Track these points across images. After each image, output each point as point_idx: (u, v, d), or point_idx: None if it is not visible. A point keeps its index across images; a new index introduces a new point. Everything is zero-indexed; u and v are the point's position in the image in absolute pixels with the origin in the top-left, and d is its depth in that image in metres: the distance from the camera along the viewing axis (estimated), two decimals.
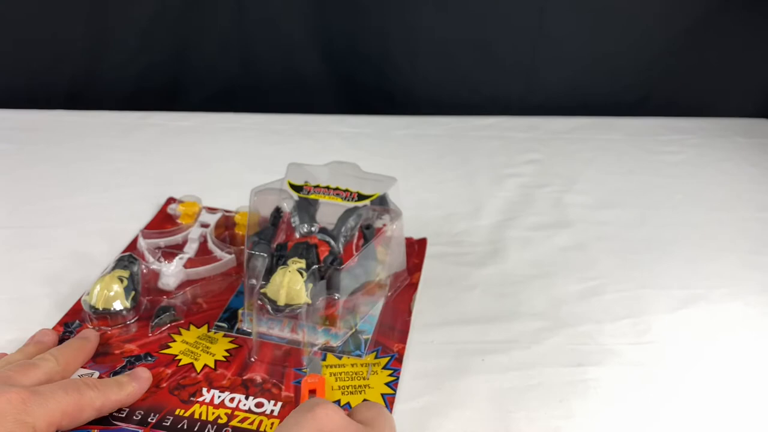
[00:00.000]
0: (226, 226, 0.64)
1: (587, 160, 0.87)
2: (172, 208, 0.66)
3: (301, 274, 0.49)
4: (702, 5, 0.97)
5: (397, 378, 0.48)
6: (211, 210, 0.66)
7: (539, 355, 0.51)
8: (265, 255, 0.51)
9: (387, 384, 0.47)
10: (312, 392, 0.45)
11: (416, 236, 0.66)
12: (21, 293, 0.55)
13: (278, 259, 0.51)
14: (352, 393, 0.46)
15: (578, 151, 0.89)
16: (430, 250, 0.64)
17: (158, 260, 0.56)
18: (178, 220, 0.65)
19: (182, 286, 0.55)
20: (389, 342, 0.52)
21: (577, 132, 0.95)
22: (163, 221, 0.65)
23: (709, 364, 0.52)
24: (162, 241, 0.61)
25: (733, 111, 1.04)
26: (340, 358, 0.50)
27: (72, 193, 0.71)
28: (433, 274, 0.61)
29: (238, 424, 0.43)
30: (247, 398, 0.45)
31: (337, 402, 0.46)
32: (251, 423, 0.43)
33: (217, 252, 0.59)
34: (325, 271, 0.51)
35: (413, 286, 0.58)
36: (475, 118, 0.97)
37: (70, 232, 0.63)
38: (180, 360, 0.48)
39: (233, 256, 0.58)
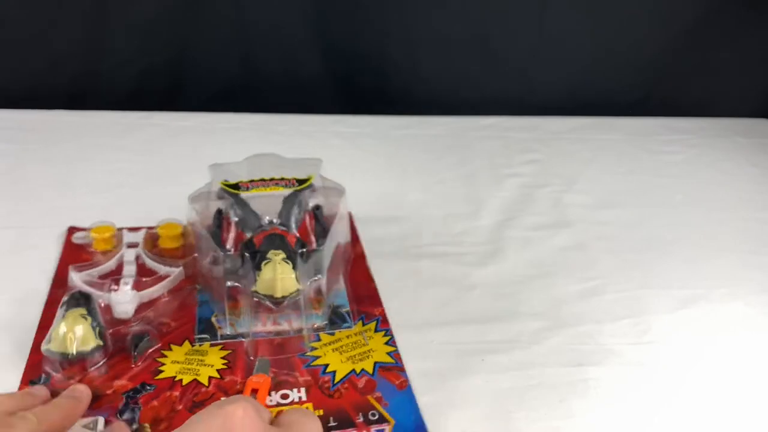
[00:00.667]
0: (153, 243, 0.60)
1: (587, 160, 0.87)
2: (79, 237, 0.60)
3: (287, 263, 0.49)
4: (702, 5, 0.97)
5: (392, 336, 0.52)
6: (133, 229, 0.62)
7: (539, 355, 0.51)
8: (246, 253, 0.51)
9: (386, 343, 0.51)
10: (254, 391, 0.45)
11: (416, 237, 0.66)
12: (21, 293, 0.55)
13: (254, 255, 0.50)
14: (361, 360, 0.49)
15: (578, 151, 0.89)
16: (430, 249, 0.65)
17: (110, 290, 0.52)
18: (92, 248, 0.59)
19: (138, 310, 0.52)
20: (368, 308, 0.55)
21: (577, 132, 0.95)
22: (75, 253, 0.59)
23: (708, 364, 0.52)
24: (95, 272, 0.55)
25: (733, 111, 1.04)
26: (333, 334, 0.52)
27: (72, 193, 0.71)
28: (433, 274, 0.61)
29: None
30: (270, 394, 0.46)
31: (353, 371, 0.48)
32: None
33: (162, 268, 0.56)
34: (306, 256, 0.51)
35: (362, 257, 0.61)
36: (475, 118, 0.97)
37: None
38: (181, 380, 0.47)
39: (181, 269, 0.55)
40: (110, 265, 0.57)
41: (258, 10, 0.94)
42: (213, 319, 0.52)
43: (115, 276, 0.55)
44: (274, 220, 0.54)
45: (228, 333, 0.51)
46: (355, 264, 0.60)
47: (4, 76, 0.92)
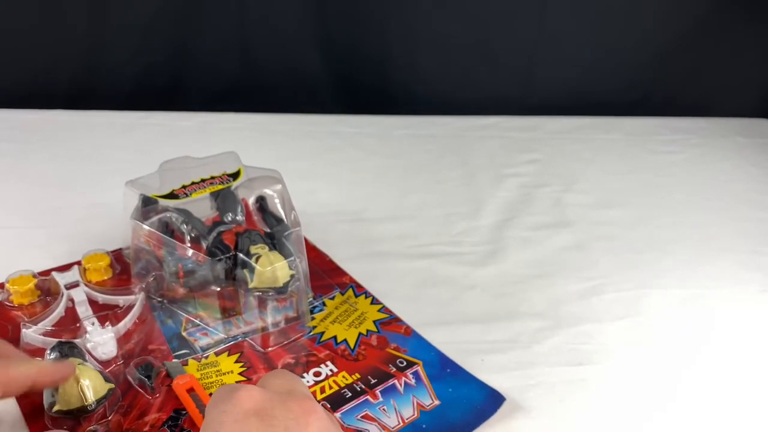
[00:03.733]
0: (84, 277, 0.56)
1: (587, 160, 0.87)
2: None
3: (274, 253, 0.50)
4: (701, 5, 0.97)
5: (373, 296, 0.56)
6: (62, 269, 0.56)
7: (539, 354, 0.51)
8: (228, 255, 0.50)
9: (371, 303, 0.55)
10: (191, 390, 0.44)
11: (416, 237, 0.66)
12: None
13: (247, 254, 0.50)
14: (360, 323, 0.53)
15: (578, 151, 0.89)
16: (430, 249, 0.65)
17: (83, 334, 0.48)
18: (9, 302, 0.52)
19: (118, 346, 0.49)
20: (336, 279, 0.58)
21: (577, 132, 0.95)
22: None
23: (708, 363, 0.52)
24: (47, 322, 0.50)
25: (733, 111, 1.04)
26: (323, 310, 0.54)
27: (72, 193, 0.71)
28: (433, 274, 0.61)
29: (325, 394, 0.46)
30: (302, 376, 0.47)
31: (360, 335, 0.51)
32: (331, 387, 0.46)
33: (120, 299, 0.53)
34: (281, 245, 0.52)
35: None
36: (475, 118, 0.97)
37: (70, 231, 0.63)
38: (212, 394, 0.44)
39: (143, 294, 0.53)
40: (59, 312, 0.51)
41: (258, 9, 0.94)
42: (184, 334, 0.51)
43: (70, 322, 0.50)
44: (238, 218, 0.54)
45: (206, 343, 0.50)
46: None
47: (4, 76, 0.92)
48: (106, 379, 0.43)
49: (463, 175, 0.81)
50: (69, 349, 0.44)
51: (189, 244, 0.52)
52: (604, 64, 1.01)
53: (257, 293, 0.50)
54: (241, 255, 0.50)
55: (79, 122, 0.87)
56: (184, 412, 0.44)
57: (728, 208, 0.76)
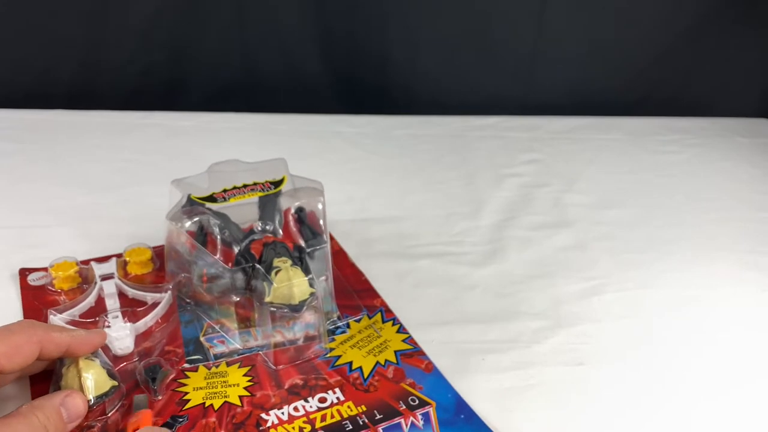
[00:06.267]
0: (123, 270, 0.57)
1: (587, 160, 0.87)
2: (35, 278, 0.55)
3: (296, 268, 0.49)
4: (702, 5, 0.97)
5: (401, 324, 0.53)
6: (101, 260, 0.57)
7: (539, 354, 0.51)
8: (248, 267, 0.50)
9: (398, 332, 0.52)
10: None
11: (416, 237, 0.66)
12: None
13: (268, 267, 0.49)
14: (381, 351, 0.50)
15: (578, 151, 0.90)
16: (430, 249, 0.65)
17: (104, 327, 0.49)
18: (51, 287, 0.54)
19: (135, 343, 0.49)
20: (367, 301, 0.55)
21: (577, 132, 0.95)
22: (36, 295, 0.54)
23: (708, 364, 0.52)
24: (76, 311, 0.51)
25: (733, 111, 1.04)
26: (345, 332, 0.52)
27: (72, 193, 0.71)
28: (433, 274, 0.61)
29: (325, 423, 0.43)
30: (307, 400, 0.45)
31: (377, 364, 0.49)
32: (332, 416, 0.44)
33: (148, 296, 0.53)
34: (304, 260, 0.51)
35: (341, 252, 0.61)
36: (475, 118, 0.97)
37: (70, 232, 0.63)
38: (212, 405, 0.45)
39: (170, 293, 0.53)
40: (89, 301, 0.52)
41: (258, 9, 0.94)
42: (202, 339, 0.50)
43: (99, 312, 0.51)
44: (267, 228, 0.53)
45: (221, 351, 0.49)
46: (337, 261, 0.59)
47: (4, 76, 0.92)
48: (111, 376, 0.43)
49: (463, 175, 0.81)
50: None
51: (220, 249, 0.51)
52: (604, 64, 1.01)
53: (272, 308, 0.48)
54: (260, 267, 0.49)
55: (79, 122, 0.87)
56: (180, 419, 0.43)
57: (728, 208, 0.76)
